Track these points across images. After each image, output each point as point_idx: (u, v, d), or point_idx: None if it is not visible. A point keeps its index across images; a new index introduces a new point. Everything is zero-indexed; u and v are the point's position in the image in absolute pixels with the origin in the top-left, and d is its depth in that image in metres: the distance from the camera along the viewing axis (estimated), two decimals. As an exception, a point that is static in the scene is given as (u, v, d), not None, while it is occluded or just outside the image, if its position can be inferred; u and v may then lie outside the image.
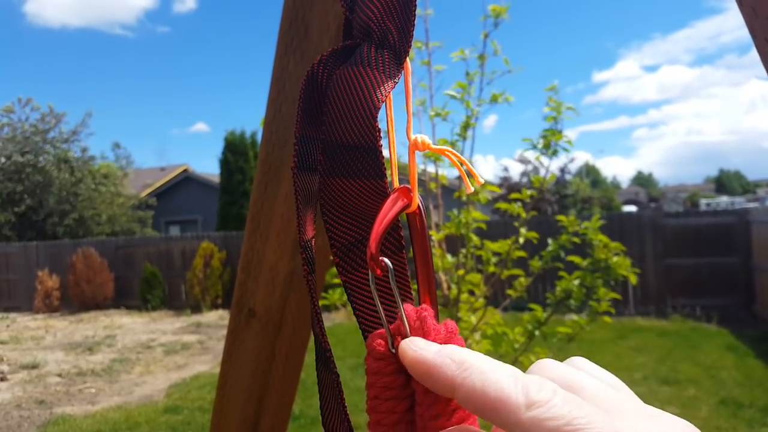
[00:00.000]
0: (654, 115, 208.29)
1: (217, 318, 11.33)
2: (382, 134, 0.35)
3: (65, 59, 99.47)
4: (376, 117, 0.34)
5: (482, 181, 0.40)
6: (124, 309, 13.09)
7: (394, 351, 0.34)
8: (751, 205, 22.41)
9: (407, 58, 0.36)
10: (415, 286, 0.37)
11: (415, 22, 0.36)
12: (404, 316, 0.34)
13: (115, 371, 7.50)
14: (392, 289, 0.34)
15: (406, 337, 0.33)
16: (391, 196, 0.35)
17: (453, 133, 2.77)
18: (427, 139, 0.37)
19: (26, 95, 19.62)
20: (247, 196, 17.16)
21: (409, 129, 0.37)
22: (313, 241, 0.38)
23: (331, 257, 0.38)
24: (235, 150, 17.65)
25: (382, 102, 0.34)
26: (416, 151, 0.37)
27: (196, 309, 12.14)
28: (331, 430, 0.38)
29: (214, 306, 12.25)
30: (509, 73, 2.89)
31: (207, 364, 7.69)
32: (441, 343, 0.32)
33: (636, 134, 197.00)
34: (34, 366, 7.80)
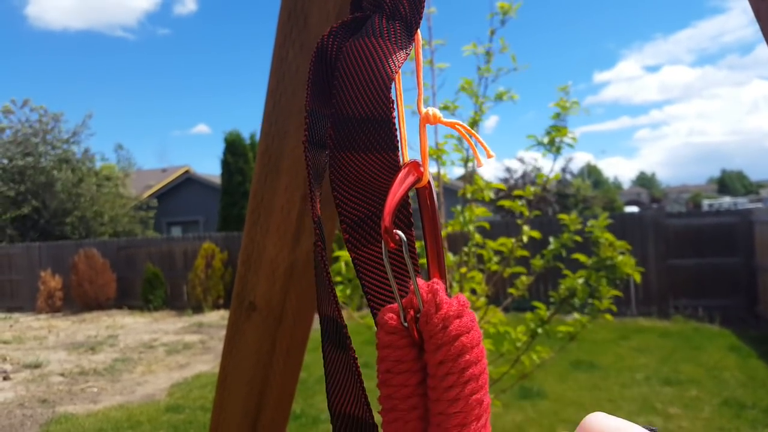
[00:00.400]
0: (656, 115, 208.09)
1: (219, 318, 11.33)
2: (394, 106, 0.34)
3: (66, 61, 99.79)
4: (390, 88, 0.34)
5: (493, 154, 0.40)
6: (126, 309, 13.10)
7: (406, 325, 0.34)
8: (754, 205, 22.37)
9: (418, 30, 0.36)
10: (423, 260, 0.37)
11: None
12: (417, 288, 0.34)
13: (117, 371, 7.50)
14: (405, 261, 0.34)
15: (419, 310, 0.33)
16: (402, 171, 0.35)
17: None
18: (439, 113, 0.36)
19: (28, 97, 19.42)
20: (248, 196, 17.11)
21: (420, 102, 0.37)
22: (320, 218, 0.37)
23: (339, 232, 0.38)
24: (235, 151, 17.66)
25: (396, 72, 0.34)
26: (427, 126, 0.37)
27: (198, 309, 12.15)
28: (347, 414, 0.37)
29: (216, 306, 12.25)
30: (515, 70, 2.89)
31: (209, 363, 7.69)
32: (451, 319, 0.33)
33: (638, 135, 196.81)
34: (36, 365, 7.81)
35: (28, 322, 11.87)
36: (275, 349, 1.02)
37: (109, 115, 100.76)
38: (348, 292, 2.66)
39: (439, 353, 0.32)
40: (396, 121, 0.35)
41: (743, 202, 28.98)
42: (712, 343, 7.32)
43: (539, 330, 2.78)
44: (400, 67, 0.34)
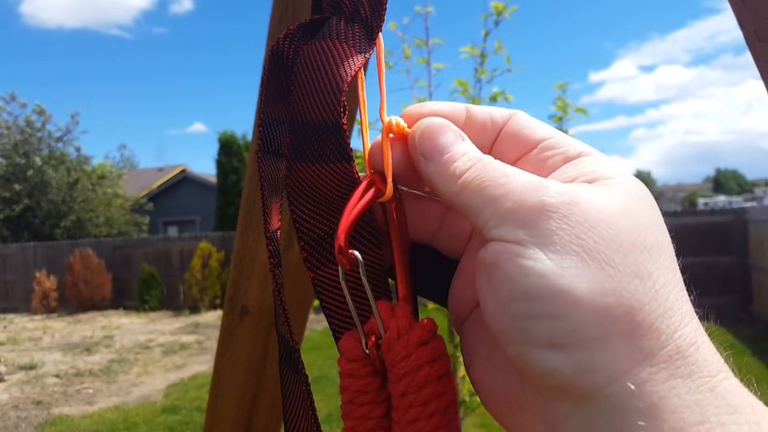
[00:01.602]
0: (652, 114, 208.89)
1: (216, 318, 11.32)
2: (347, 112, 0.32)
3: (61, 60, 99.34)
4: (342, 92, 0.32)
5: None
6: (122, 309, 13.08)
7: (368, 352, 0.32)
8: (749, 204, 22.44)
9: (380, 34, 0.34)
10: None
11: None
12: (378, 313, 0.32)
13: (113, 372, 7.49)
14: (363, 285, 0.31)
15: (380, 336, 0.31)
16: (363, 184, 0.32)
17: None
18: (402, 122, 0.34)
19: (22, 96, 19.35)
20: (245, 196, 17.16)
21: (383, 110, 0.35)
22: (279, 233, 0.36)
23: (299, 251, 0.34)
24: (229, 151, 17.66)
25: (350, 76, 0.32)
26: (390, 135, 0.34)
27: (195, 309, 12.14)
28: None
29: (213, 306, 12.23)
30: (509, 72, 2.89)
31: (205, 364, 7.69)
32: (414, 347, 0.30)
33: (634, 134, 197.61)
34: (31, 367, 7.79)
35: (22, 323, 11.85)
36: (268, 354, 1.02)
37: (105, 114, 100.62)
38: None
39: (401, 384, 0.30)
40: (346, 128, 0.32)
41: (738, 201, 29.08)
42: (707, 341, 7.34)
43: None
44: (356, 71, 0.32)
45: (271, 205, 0.34)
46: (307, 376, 0.34)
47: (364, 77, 0.34)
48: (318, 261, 0.35)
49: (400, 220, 0.35)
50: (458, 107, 0.35)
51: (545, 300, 0.25)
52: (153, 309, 12.69)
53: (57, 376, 7.36)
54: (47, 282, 13.15)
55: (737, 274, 9.10)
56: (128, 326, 10.98)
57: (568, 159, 0.31)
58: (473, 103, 2.72)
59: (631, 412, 0.24)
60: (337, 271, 0.34)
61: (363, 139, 0.35)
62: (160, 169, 29.18)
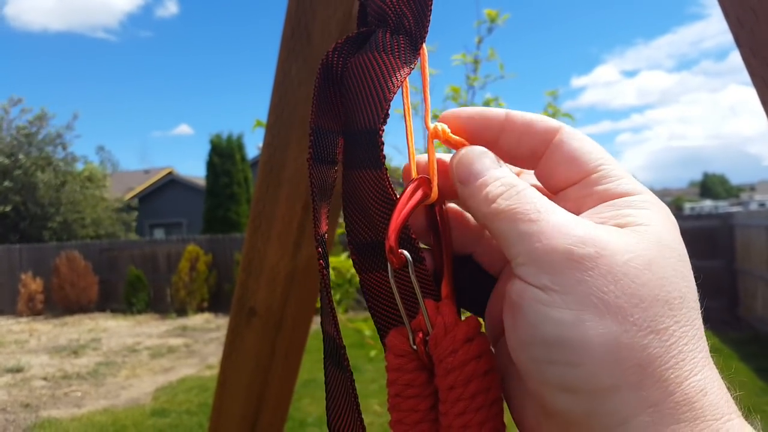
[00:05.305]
0: (637, 119, 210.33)
1: (203, 321, 11.28)
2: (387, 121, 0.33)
3: (46, 62, 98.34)
4: (390, 103, 0.33)
5: None
6: (109, 312, 12.98)
7: (415, 348, 0.33)
8: (735, 208, 22.65)
9: (423, 44, 0.35)
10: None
11: (432, 7, 0.35)
12: (426, 310, 0.33)
13: (101, 374, 7.45)
14: (413, 283, 0.32)
15: (427, 333, 0.33)
16: (410, 187, 0.33)
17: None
18: (447, 128, 0.35)
19: (3, 97, 19.38)
20: (234, 198, 17.12)
21: (428, 117, 0.36)
22: (327, 236, 0.36)
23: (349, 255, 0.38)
24: (221, 153, 17.60)
25: (398, 87, 0.33)
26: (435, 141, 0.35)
27: (182, 312, 12.07)
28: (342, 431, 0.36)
29: (200, 309, 12.17)
30: (502, 78, 2.93)
31: (193, 367, 7.66)
32: (461, 342, 0.32)
33: (620, 139, 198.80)
34: (18, 369, 7.73)
35: (8, 326, 11.74)
36: (275, 354, 1.05)
37: (90, 117, 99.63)
38: (337, 297, 2.69)
39: (448, 378, 0.31)
40: (383, 134, 0.34)
41: (724, 206, 29.32)
42: (693, 345, 7.40)
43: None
44: (402, 82, 0.33)
45: (320, 210, 0.36)
46: (351, 373, 0.35)
47: (408, 85, 0.36)
48: (365, 265, 0.36)
49: (443, 223, 0.36)
50: (496, 112, 0.35)
51: (561, 348, 0.27)
52: (140, 312, 12.60)
53: (44, 378, 7.31)
54: (33, 284, 13.03)
55: (724, 278, 9.18)
56: (115, 329, 10.91)
57: (610, 197, 0.32)
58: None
59: None
60: (382, 274, 0.36)
61: (408, 144, 0.36)
62: (147, 171, 29.01)
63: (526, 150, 0.35)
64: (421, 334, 0.33)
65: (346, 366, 0.35)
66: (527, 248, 0.29)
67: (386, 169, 0.34)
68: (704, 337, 0.29)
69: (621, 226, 0.30)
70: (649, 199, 0.31)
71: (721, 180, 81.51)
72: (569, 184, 0.33)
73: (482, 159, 0.33)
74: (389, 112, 0.33)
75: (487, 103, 2.81)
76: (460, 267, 0.37)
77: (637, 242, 0.28)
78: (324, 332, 0.37)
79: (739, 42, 0.59)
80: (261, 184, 0.94)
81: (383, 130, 0.33)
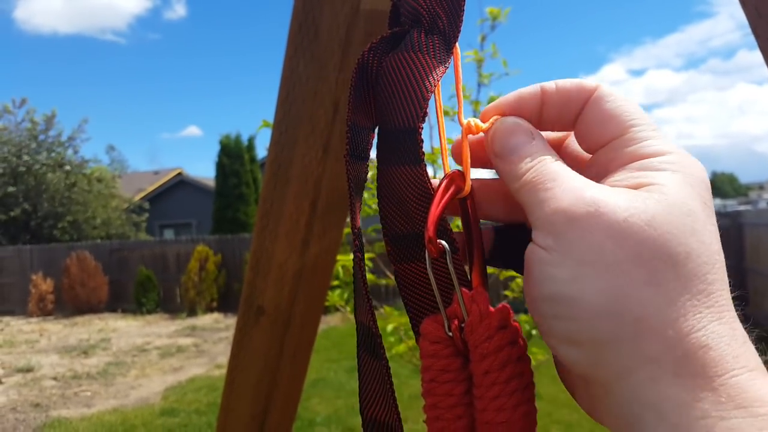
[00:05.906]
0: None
1: (213, 321, 11.31)
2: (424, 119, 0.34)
3: (56, 65, 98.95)
4: (428, 102, 0.34)
5: None
6: (119, 312, 13.05)
7: (450, 334, 0.34)
8: (744, 207, 22.52)
9: (456, 44, 0.36)
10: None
11: (465, 7, 0.36)
12: (462, 298, 0.34)
13: (111, 374, 7.48)
14: (450, 271, 0.34)
15: (463, 320, 0.34)
16: (445, 180, 0.35)
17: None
18: (480, 122, 0.37)
19: (25, 97, 19.50)
20: (243, 199, 17.17)
21: (461, 113, 0.37)
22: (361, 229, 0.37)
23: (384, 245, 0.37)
24: (230, 154, 17.64)
25: (435, 86, 0.34)
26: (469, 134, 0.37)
27: (192, 312, 12.11)
28: (378, 420, 0.37)
29: (209, 309, 12.21)
30: (507, 75, 2.92)
31: (203, 366, 7.68)
32: (495, 329, 0.33)
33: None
34: (29, 369, 7.77)
35: (19, 326, 11.81)
36: (283, 353, 1.04)
37: (99, 119, 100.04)
38: (345, 295, 2.69)
39: (484, 363, 0.32)
40: (422, 132, 0.35)
41: (733, 205, 29.14)
42: (704, 344, 7.36)
43: (533, 332, 2.81)
44: (438, 81, 0.34)
45: (356, 204, 0.36)
46: (387, 361, 0.35)
47: (439, 84, 0.36)
48: (400, 256, 0.38)
49: (474, 215, 0.38)
50: (531, 90, 0.36)
51: (561, 303, 0.29)
52: (149, 312, 12.66)
53: (54, 378, 7.34)
54: (44, 285, 13.11)
55: (733, 277, 9.05)
56: (125, 329, 10.96)
57: (635, 159, 0.32)
58: (474, 107, 2.73)
59: (640, 405, 0.27)
60: (417, 264, 0.37)
61: (441, 141, 0.38)
62: (156, 172, 29.12)
63: (568, 117, 0.36)
64: (456, 321, 0.34)
65: (382, 354, 0.35)
66: (538, 214, 0.31)
67: (425, 164, 0.35)
68: (720, 291, 0.30)
69: (633, 187, 0.30)
70: (671, 160, 0.32)
71: (730, 179, 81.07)
72: (601, 145, 0.34)
73: (516, 133, 0.35)
74: (427, 110, 0.34)
75: (492, 101, 2.80)
76: (517, 234, 0.38)
77: (642, 200, 0.29)
78: (357, 322, 0.38)
79: (757, 33, 0.58)
80: (268, 182, 0.94)
81: (422, 128, 0.34)
